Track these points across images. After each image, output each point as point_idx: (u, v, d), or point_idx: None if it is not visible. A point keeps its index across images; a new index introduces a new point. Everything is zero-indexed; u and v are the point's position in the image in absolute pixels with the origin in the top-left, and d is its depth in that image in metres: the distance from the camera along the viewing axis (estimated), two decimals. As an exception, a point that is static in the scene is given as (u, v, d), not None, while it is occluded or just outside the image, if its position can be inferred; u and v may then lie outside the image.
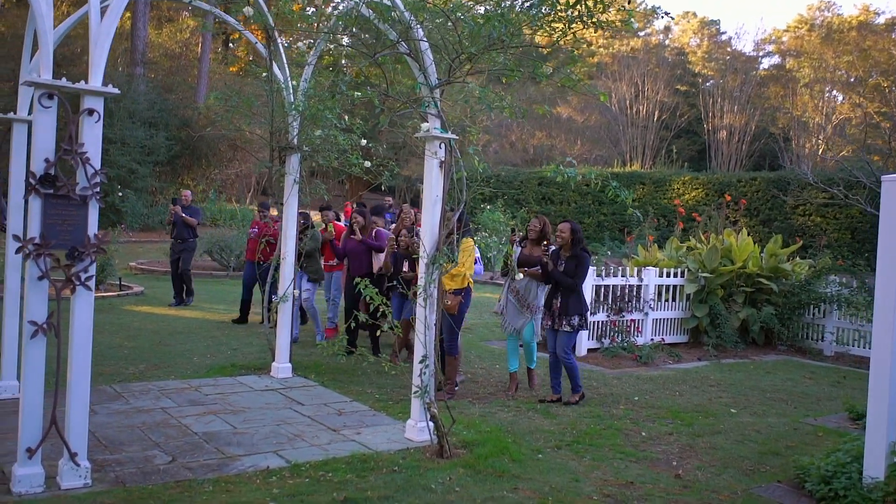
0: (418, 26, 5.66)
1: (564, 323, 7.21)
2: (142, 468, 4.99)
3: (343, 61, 8.11)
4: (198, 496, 4.58)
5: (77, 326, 4.64)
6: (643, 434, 6.51)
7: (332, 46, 8.25)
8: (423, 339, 5.72)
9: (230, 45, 45.23)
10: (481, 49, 5.43)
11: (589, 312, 7.40)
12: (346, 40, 7.17)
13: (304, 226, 8.48)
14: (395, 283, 8.00)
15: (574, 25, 5.80)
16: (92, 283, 4.66)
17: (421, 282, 5.78)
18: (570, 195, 27.71)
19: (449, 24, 5.52)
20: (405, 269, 8.46)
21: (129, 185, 23.58)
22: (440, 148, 5.82)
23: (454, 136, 5.82)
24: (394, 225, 9.09)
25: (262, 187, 35.80)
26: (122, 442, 5.50)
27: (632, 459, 5.82)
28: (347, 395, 7.23)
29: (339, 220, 11.50)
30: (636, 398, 7.76)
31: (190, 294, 12.66)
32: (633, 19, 6.38)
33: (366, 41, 5.99)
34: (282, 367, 7.79)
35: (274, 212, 12.37)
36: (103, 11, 4.84)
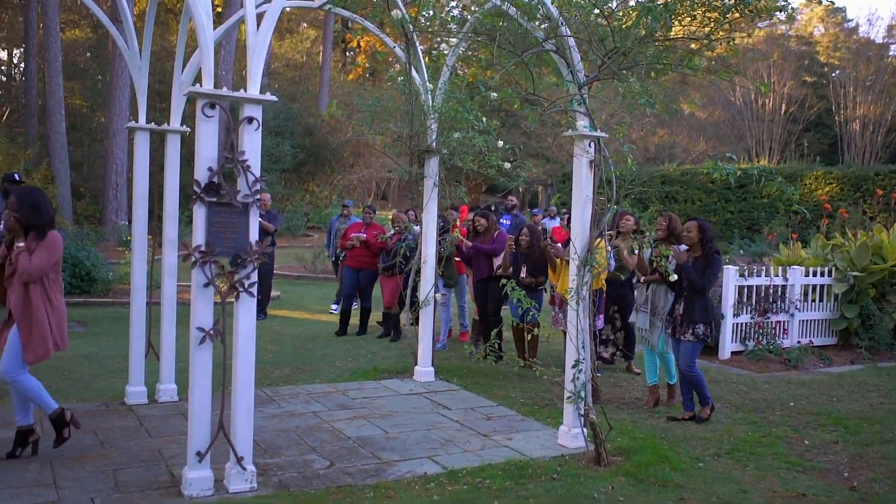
0: (564, 24, 5.51)
1: (687, 332, 6.54)
2: (302, 472, 5.04)
3: (457, 63, 8.05)
4: (360, 502, 4.57)
5: (241, 333, 4.72)
6: (806, 442, 6.12)
7: (464, 50, 8.19)
8: (576, 342, 5.55)
9: (347, 53, 46.43)
10: (635, 43, 5.22)
11: (715, 322, 6.66)
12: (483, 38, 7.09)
13: (444, 228, 8.43)
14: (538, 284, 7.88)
15: (729, 14, 5.52)
16: (254, 290, 4.73)
17: (572, 284, 5.62)
18: (695, 193, 26.69)
19: (601, 18, 5.35)
20: (523, 273, 8.31)
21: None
22: (590, 147, 5.64)
23: (603, 135, 5.64)
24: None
25: (381, 191, 36.50)
26: (281, 446, 5.59)
27: (798, 469, 5.47)
28: (492, 399, 7.13)
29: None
30: (791, 404, 7.32)
31: (262, 310, 11.39)
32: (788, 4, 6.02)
33: (510, 40, 5.86)
34: (424, 370, 7.78)
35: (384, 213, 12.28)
36: (258, 20, 4.90)
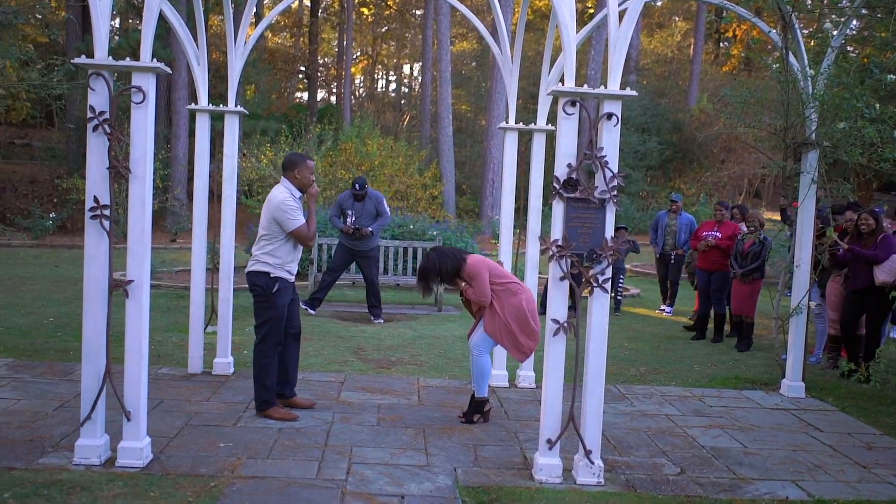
0: None
1: None
2: (650, 475, 4.90)
3: (846, 45, 7.13)
4: (711, 516, 4.32)
5: (594, 327, 4.73)
6: None
7: (854, 29, 7.31)
8: None
9: (721, 43, 44.40)
10: None
11: None
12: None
13: (822, 230, 7.53)
14: None
15: None
16: (608, 286, 4.71)
17: None
18: None
19: None
20: None
21: (623, 189, 24.53)
22: None
23: None
24: None
25: (754, 189, 34.25)
26: (630, 445, 5.51)
27: None
28: (875, 426, 6.25)
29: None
30: None
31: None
32: None
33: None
34: (793, 385, 7.09)
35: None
36: (620, 16, 4.87)
